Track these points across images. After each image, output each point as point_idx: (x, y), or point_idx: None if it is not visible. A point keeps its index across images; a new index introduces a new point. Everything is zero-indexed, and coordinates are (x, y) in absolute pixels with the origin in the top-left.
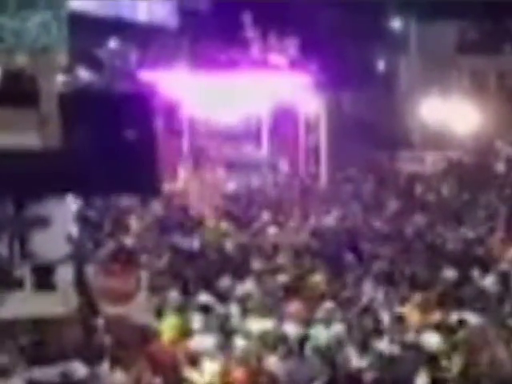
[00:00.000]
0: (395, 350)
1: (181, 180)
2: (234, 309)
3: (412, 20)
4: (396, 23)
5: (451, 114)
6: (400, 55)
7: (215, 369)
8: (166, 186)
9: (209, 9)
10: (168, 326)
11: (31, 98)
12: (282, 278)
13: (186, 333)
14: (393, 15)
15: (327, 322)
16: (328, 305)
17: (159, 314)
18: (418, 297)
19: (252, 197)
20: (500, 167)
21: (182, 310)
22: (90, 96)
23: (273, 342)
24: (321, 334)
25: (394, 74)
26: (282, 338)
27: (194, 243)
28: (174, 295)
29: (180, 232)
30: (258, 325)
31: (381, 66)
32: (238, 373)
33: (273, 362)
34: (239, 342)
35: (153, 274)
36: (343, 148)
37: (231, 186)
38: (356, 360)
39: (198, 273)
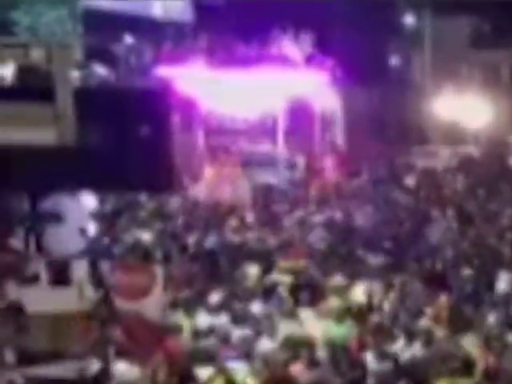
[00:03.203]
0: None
1: (198, 177)
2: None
3: (426, 15)
4: (410, 18)
5: (465, 109)
6: (414, 50)
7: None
8: (183, 183)
9: (225, 4)
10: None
11: (46, 93)
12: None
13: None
14: (407, 10)
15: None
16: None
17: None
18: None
19: (271, 193)
20: None
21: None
22: (106, 92)
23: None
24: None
25: (408, 69)
26: (307, 343)
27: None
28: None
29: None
30: (284, 327)
31: (395, 61)
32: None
33: (298, 369)
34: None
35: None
36: (359, 144)
37: (248, 183)
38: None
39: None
